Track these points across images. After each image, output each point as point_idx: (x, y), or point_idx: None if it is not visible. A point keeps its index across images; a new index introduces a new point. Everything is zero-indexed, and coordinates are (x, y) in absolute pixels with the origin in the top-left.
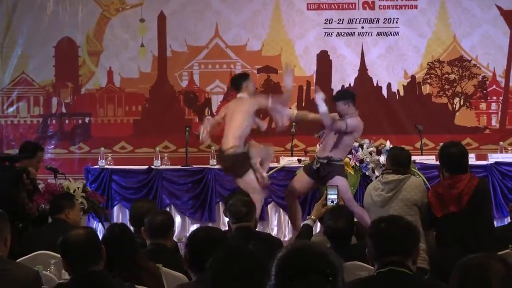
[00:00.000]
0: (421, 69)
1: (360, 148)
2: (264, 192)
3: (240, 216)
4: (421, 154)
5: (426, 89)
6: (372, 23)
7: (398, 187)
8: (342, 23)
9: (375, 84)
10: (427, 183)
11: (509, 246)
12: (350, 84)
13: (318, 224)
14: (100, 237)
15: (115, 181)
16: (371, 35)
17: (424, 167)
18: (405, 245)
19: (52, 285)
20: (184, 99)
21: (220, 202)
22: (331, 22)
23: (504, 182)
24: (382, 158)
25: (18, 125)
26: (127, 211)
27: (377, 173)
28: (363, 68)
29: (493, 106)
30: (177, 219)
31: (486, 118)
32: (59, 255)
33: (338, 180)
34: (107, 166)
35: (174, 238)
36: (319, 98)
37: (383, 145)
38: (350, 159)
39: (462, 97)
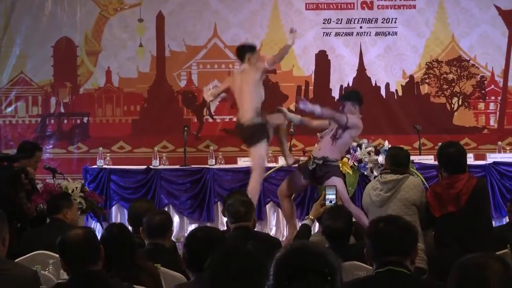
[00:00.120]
0: (419, 69)
1: (358, 148)
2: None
3: (239, 216)
4: (420, 154)
5: (425, 89)
6: (371, 23)
7: (397, 187)
8: (340, 23)
9: (373, 84)
10: (426, 183)
11: (507, 246)
12: (348, 84)
13: (317, 224)
14: (99, 237)
15: (114, 181)
16: (370, 35)
17: (422, 167)
18: (404, 245)
19: (50, 285)
20: (182, 99)
21: (219, 202)
22: (330, 22)
23: (502, 182)
24: (381, 158)
25: (17, 125)
26: (126, 211)
27: (375, 173)
28: (361, 68)
29: (492, 106)
30: (176, 219)
31: (484, 118)
32: (57, 255)
33: (335, 180)
34: (105, 166)
35: (173, 238)
36: (305, 106)
37: (381, 145)
38: (348, 159)
39: (461, 97)
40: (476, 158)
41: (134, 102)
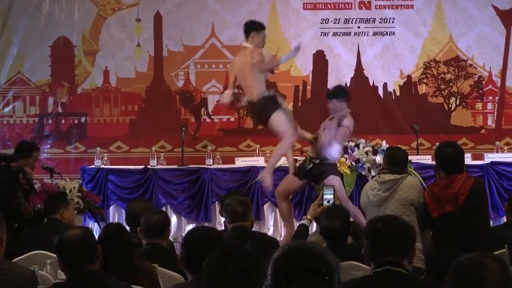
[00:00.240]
0: (417, 69)
1: (356, 148)
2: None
3: (236, 215)
4: (417, 154)
5: (422, 89)
6: (368, 23)
7: (395, 186)
8: (338, 23)
9: (371, 84)
10: (423, 182)
11: (505, 246)
12: (346, 84)
13: (314, 224)
14: (96, 237)
15: (111, 181)
16: (367, 35)
17: (420, 167)
18: (401, 245)
19: (48, 285)
20: (180, 99)
21: (216, 202)
22: (327, 22)
23: (500, 182)
24: (378, 158)
25: (14, 125)
26: (123, 211)
27: (373, 173)
28: (359, 68)
29: (489, 106)
30: (173, 219)
31: (482, 118)
32: (55, 255)
33: (333, 179)
34: (103, 166)
35: (170, 238)
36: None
37: (379, 145)
38: (346, 159)
39: (458, 97)
40: (473, 158)
41: (132, 102)
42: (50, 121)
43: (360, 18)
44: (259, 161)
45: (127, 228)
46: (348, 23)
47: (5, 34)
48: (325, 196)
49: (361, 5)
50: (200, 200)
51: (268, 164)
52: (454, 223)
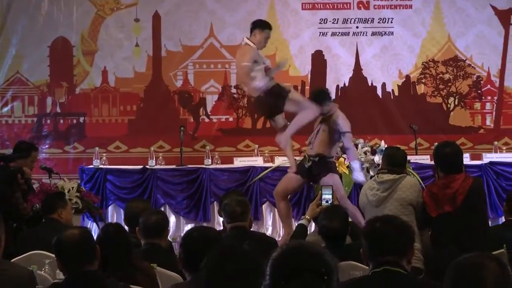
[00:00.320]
0: (415, 69)
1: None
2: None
3: (235, 215)
4: (416, 154)
5: (421, 88)
6: (367, 23)
7: (393, 186)
8: (337, 23)
9: (369, 84)
10: (422, 182)
11: (504, 246)
12: (344, 84)
13: (313, 224)
14: (95, 237)
15: (110, 181)
16: (366, 35)
17: (418, 167)
18: (400, 245)
19: (46, 285)
20: (178, 98)
21: (215, 202)
22: (326, 22)
23: (498, 182)
24: (377, 158)
25: (13, 125)
26: (122, 211)
27: (371, 173)
28: (357, 68)
29: (488, 106)
30: (172, 219)
31: (480, 118)
32: (53, 255)
33: (332, 177)
34: (101, 166)
35: (169, 238)
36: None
37: (377, 145)
38: (344, 159)
39: (457, 97)
40: (472, 158)
41: (130, 102)
42: (48, 121)
43: (358, 18)
44: (257, 161)
45: (126, 228)
46: (346, 23)
47: (4, 34)
48: (323, 196)
49: (360, 5)
50: (198, 200)
51: (288, 129)
52: (453, 223)
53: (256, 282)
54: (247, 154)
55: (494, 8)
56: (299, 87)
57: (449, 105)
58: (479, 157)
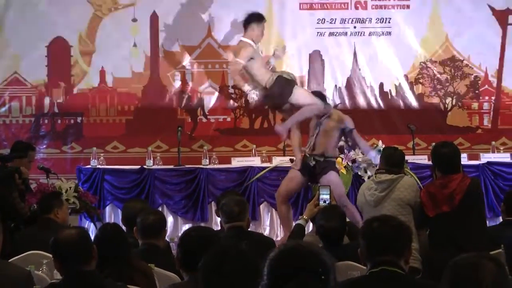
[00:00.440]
0: (413, 69)
1: (352, 148)
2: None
3: (233, 215)
4: (413, 154)
5: (419, 89)
6: (365, 23)
7: (391, 186)
8: (334, 23)
9: (367, 84)
10: (419, 183)
11: (501, 246)
12: (342, 84)
13: (310, 224)
14: (92, 237)
15: (107, 181)
16: (364, 35)
17: (416, 167)
18: (398, 244)
19: (44, 285)
20: (176, 99)
21: (213, 202)
22: (324, 22)
23: (496, 182)
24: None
25: (10, 125)
26: (119, 211)
27: (369, 173)
28: (355, 68)
29: (485, 106)
30: (170, 219)
31: (478, 118)
32: (51, 255)
33: (332, 174)
34: (99, 166)
35: (167, 238)
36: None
37: (375, 145)
38: (342, 158)
39: (454, 97)
40: (469, 158)
41: (128, 102)
42: (46, 121)
43: (356, 18)
44: (255, 161)
45: (124, 228)
46: (344, 23)
47: (2, 34)
48: (321, 196)
49: (357, 5)
50: (196, 200)
51: (289, 120)
52: (451, 223)
53: (254, 282)
54: (244, 154)
55: (491, 8)
56: None
57: (446, 105)
58: (477, 157)
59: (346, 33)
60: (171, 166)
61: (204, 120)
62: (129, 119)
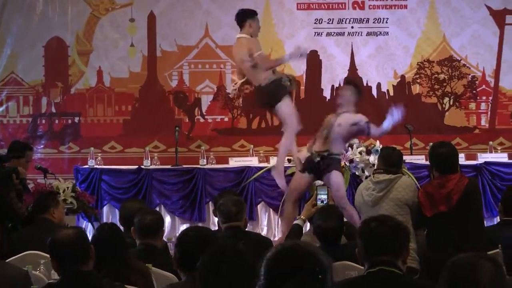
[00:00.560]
0: (410, 69)
1: (350, 148)
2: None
3: (230, 215)
4: (411, 154)
5: (416, 89)
6: (362, 23)
7: (389, 186)
8: (332, 23)
9: (365, 84)
10: (417, 183)
11: (499, 246)
12: (340, 84)
13: (308, 225)
14: (90, 237)
15: (105, 181)
16: (361, 35)
17: (413, 167)
18: (395, 244)
19: (41, 285)
20: (173, 98)
21: (210, 202)
22: (321, 22)
23: (493, 182)
24: (372, 158)
25: (8, 125)
26: (117, 211)
27: (367, 173)
28: (353, 68)
29: (483, 106)
30: (167, 219)
31: (475, 118)
32: (48, 255)
33: (335, 174)
34: (96, 166)
35: (164, 238)
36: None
37: (372, 145)
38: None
39: (452, 97)
40: (467, 158)
41: (126, 102)
42: (43, 121)
43: (353, 18)
44: (252, 161)
45: (121, 228)
46: (341, 23)
47: None
48: (319, 196)
49: (355, 5)
50: (194, 200)
51: (276, 166)
52: (448, 223)
53: (251, 282)
54: (242, 154)
55: (489, 8)
56: None
57: (444, 105)
58: (474, 157)
59: (343, 33)
60: (169, 166)
61: (202, 120)
62: (127, 119)
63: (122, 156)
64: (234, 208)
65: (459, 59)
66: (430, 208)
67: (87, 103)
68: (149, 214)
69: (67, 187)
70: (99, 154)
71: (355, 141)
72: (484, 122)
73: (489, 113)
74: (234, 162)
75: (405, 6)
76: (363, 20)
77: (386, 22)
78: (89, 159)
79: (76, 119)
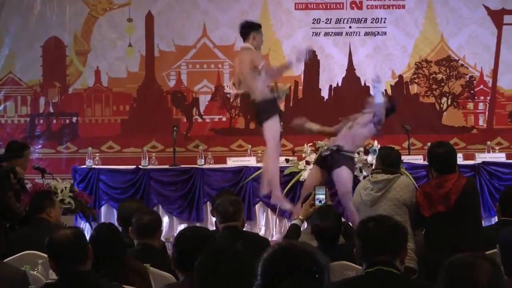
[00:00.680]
0: (408, 69)
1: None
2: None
3: (228, 215)
4: (409, 154)
5: (414, 89)
6: (360, 22)
7: (387, 186)
8: (330, 23)
9: (362, 84)
10: (415, 183)
11: (497, 246)
12: (338, 84)
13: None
14: (88, 237)
15: (103, 181)
16: (359, 35)
17: (411, 167)
18: (393, 244)
19: (39, 285)
20: (171, 98)
21: (208, 202)
22: (319, 22)
23: (491, 182)
24: (370, 158)
25: (6, 125)
26: (115, 211)
27: (365, 173)
28: (350, 68)
29: (481, 106)
30: (165, 219)
31: (473, 118)
32: (46, 255)
33: (344, 169)
34: (94, 166)
35: (162, 238)
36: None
37: (370, 145)
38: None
39: (450, 97)
40: (465, 158)
41: (123, 102)
42: (41, 121)
43: (351, 18)
44: (250, 161)
45: (119, 228)
46: (339, 23)
47: None
48: (317, 196)
49: (353, 5)
50: (191, 200)
51: (273, 190)
52: (446, 223)
53: (249, 282)
54: (240, 154)
55: (487, 8)
56: (292, 87)
57: (442, 105)
58: (472, 157)
59: (341, 33)
60: (167, 166)
61: (200, 120)
62: (125, 119)
63: (120, 156)
64: (232, 208)
65: (457, 59)
66: (428, 208)
67: (85, 103)
68: (147, 214)
69: (65, 187)
70: (97, 154)
71: None
72: (482, 122)
73: (487, 113)
74: (232, 162)
75: (403, 6)
76: (361, 20)
77: (384, 22)
78: (87, 159)
79: (74, 119)
